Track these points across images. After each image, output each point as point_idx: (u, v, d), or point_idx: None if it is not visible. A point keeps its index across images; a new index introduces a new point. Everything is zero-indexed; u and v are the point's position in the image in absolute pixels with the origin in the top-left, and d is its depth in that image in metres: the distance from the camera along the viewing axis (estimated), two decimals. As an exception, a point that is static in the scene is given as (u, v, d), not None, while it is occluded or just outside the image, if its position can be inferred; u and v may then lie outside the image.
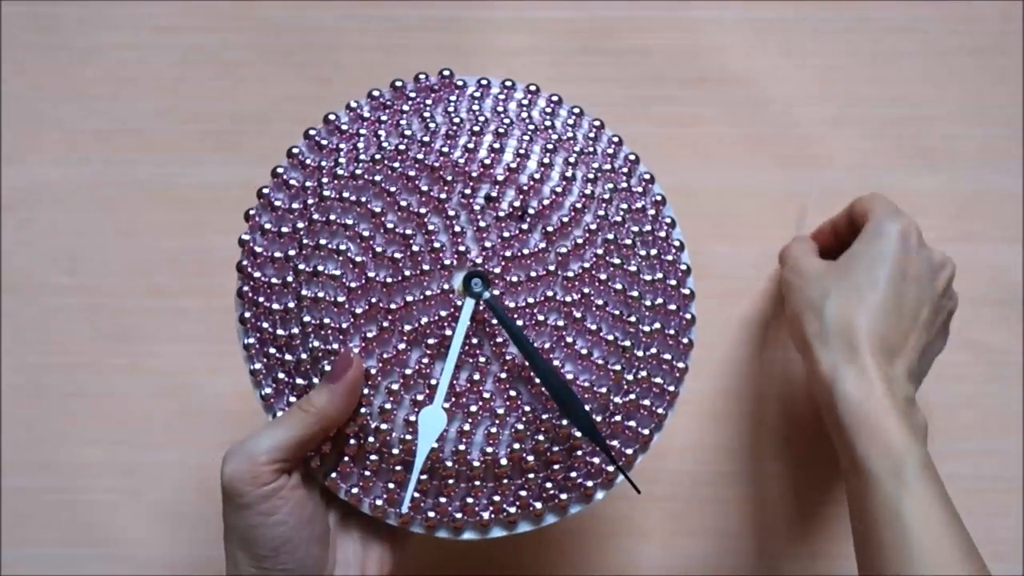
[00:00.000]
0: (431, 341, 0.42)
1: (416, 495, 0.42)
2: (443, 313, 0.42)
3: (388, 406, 0.41)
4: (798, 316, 0.48)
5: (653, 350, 0.44)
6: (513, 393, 0.42)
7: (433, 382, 0.41)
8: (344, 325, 0.41)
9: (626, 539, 0.57)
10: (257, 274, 0.43)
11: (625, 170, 0.45)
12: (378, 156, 0.42)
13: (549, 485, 0.42)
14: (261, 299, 0.43)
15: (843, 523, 0.56)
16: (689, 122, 0.59)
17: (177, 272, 0.58)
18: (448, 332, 0.41)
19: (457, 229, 0.42)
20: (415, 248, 0.42)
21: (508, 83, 0.46)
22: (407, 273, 0.42)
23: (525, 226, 0.42)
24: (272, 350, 0.43)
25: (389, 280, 0.42)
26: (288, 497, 0.40)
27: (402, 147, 0.42)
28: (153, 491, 0.57)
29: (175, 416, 0.57)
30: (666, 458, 0.57)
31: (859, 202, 0.52)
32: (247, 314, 0.44)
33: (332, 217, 0.42)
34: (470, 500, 0.42)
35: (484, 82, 0.45)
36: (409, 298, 0.42)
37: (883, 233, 0.48)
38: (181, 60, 0.60)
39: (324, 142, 0.44)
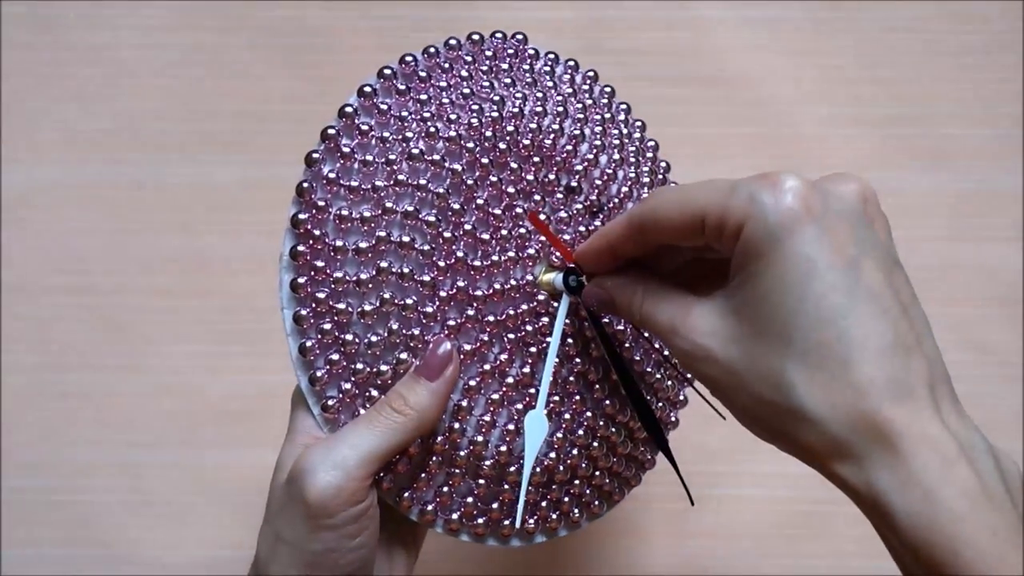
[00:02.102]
0: (511, 336, 0.38)
1: (469, 501, 0.39)
2: (524, 307, 0.38)
3: (464, 403, 0.37)
4: (763, 428, 0.31)
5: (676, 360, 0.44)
6: (578, 398, 0.40)
7: (510, 380, 0.38)
8: (429, 309, 0.37)
9: (626, 539, 0.57)
10: (317, 232, 0.37)
11: (660, 179, 0.44)
12: (476, 121, 0.38)
13: (588, 491, 0.41)
14: (320, 263, 0.37)
15: (843, 522, 0.56)
16: (689, 122, 0.59)
17: (177, 272, 0.58)
18: (529, 327, 0.38)
19: (542, 217, 0.39)
20: (504, 232, 0.38)
21: (571, 63, 0.43)
22: (495, 258, 0.38)
23: (598, 223, 0.39)
24: (327, 325, 0.37)
25: (478, 263, 0.37)
26: (373, 516, 0.35)
27: (494, 114, 0.38)
28: (153, 491, 0.57)
29: (175, 416, 0.57)
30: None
31: (659, 208, 0.32)
32: (300, 279, 0.37)
33: (422, 181, 0.37)
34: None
35: (552, 56, 0.42)
36: (496, 286, 0.38)
37: (787, 234, 0.29)
38: (181, 60, 0.60)
39: (402, 87, 0.38)
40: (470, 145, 0.37)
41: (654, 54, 0.59)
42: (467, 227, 0.37)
